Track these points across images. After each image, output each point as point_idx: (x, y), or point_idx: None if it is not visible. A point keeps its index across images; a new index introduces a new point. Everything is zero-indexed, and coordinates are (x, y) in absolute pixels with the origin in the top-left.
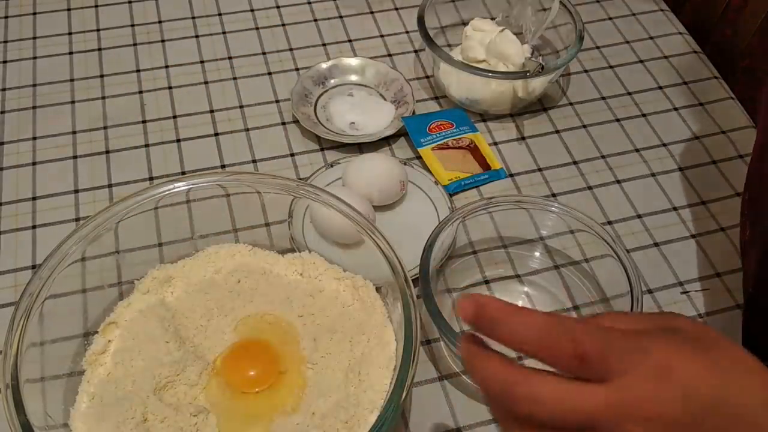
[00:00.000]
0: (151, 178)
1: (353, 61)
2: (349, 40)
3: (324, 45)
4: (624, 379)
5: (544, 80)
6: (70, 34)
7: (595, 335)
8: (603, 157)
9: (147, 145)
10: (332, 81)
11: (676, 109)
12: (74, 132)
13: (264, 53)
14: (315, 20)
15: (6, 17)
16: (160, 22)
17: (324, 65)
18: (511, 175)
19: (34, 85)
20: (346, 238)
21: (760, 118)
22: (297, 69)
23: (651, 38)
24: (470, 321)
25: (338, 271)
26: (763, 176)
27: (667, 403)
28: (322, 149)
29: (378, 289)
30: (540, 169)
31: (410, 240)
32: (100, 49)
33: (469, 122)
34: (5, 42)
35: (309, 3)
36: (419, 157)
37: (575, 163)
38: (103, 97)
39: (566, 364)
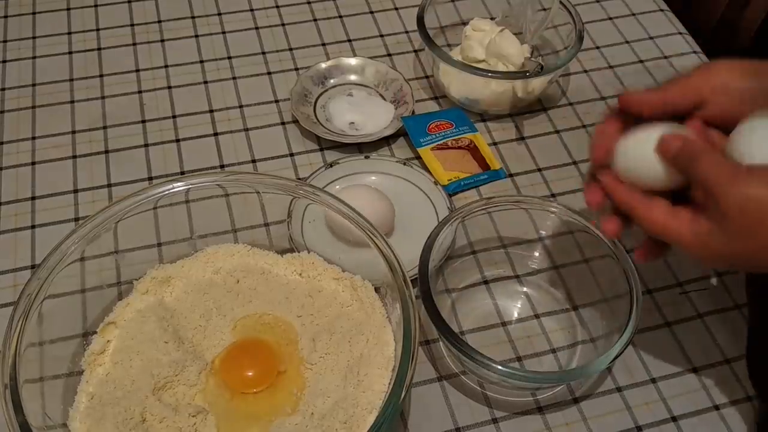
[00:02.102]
0: (150, 178)
1: (353, 61)
2: (349, 40)
3: (324, 45)
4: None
5: (543, 80)
6: (69, 33)
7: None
8: None
9: (146, 145)
10: (332, 81)
11: None
12: (74, 132)
13: (264, 53)
14: (315, 20)
15: (6, 17)
16: (159, 22)
17: (324, 65)
18: (511, 176)
19: (34, 85)
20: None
21: None
22: (297, 69)
23: (651, 38)
24: (672, 155)
25: (337, 272)
26: None
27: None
28: (321, 149)
29: (377, 290)
30: (539, 170)
31: (409, 240)
32: (99, 49)
33: (469, 122)
34: (5, 42)
35: (309, 3)
36: (419, 157)
37: (575, 163)
38: (103, 97)
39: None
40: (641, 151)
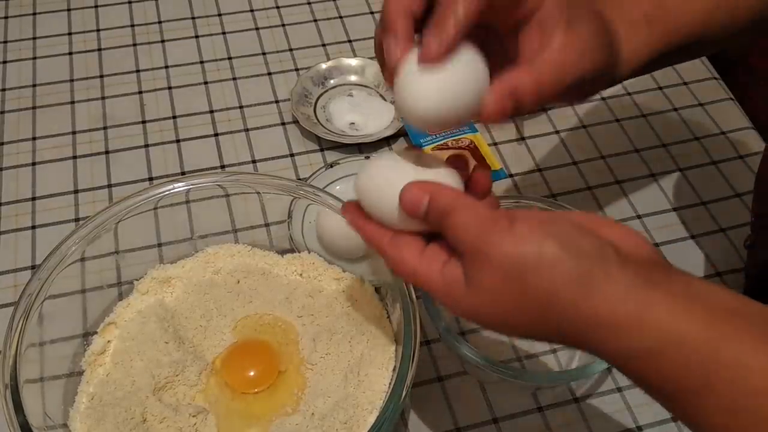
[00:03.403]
0: (150, 179)
1: (353, 62)
2: (349, 40)
3: (324, 45)
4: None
5: None
6: (70, 34)
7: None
8: (603, 157)
9: (147, 146)
10: (332, 81)
11: (675, 109)
12: (74, 132)
13: (264, 53)
14: (315, 20)
15: (6, 17)
16: (160, 22)
17: (324, 65)
18: (511, 176)
19: (34, 85)
20: (352, 252)
21: None
22: (297, 69)
23: None
24: (422, 216)
25: (338, 272)
26: None
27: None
28: (321, 149)
29: (377, 290)
30: (540, 170)
31: None
32: (100, 49)
33: (469, 122)
34: (5, 42)
35: (309, 3)
36: None
37: (575, 163)
38: (103, 97)
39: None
40: (386, 197)
